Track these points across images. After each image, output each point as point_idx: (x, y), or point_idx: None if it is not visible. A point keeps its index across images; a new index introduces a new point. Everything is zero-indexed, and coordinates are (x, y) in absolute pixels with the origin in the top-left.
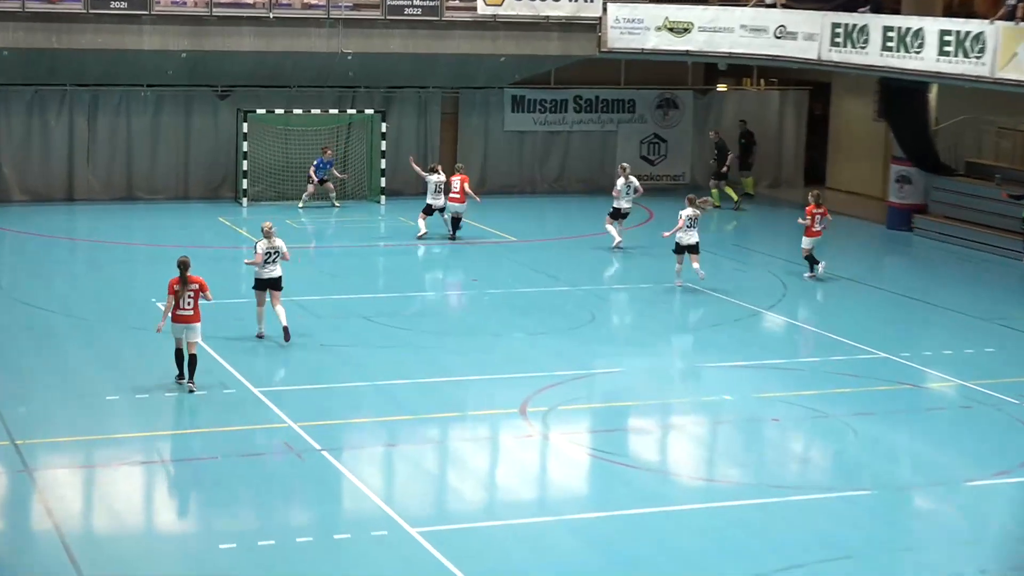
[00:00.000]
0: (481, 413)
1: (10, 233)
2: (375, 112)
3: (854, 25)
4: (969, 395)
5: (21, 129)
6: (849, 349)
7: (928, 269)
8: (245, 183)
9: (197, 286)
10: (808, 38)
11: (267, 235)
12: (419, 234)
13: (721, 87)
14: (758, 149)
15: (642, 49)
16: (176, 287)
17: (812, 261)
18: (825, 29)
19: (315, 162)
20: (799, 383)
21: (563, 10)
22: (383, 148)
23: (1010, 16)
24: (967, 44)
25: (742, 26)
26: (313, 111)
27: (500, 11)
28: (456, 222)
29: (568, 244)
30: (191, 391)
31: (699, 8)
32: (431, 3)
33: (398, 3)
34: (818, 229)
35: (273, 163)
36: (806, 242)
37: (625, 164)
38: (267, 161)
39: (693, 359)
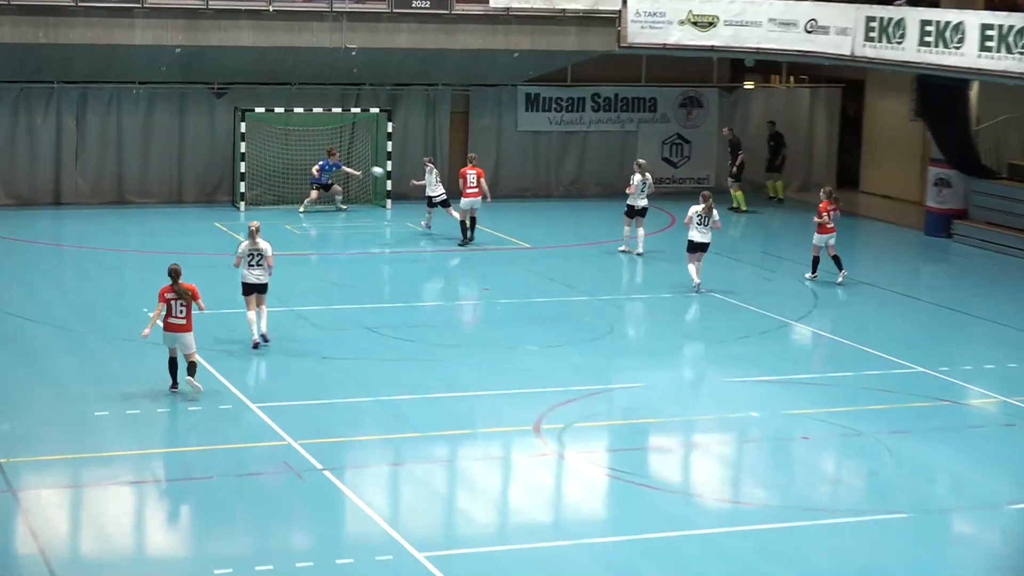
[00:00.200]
0: (492, 430)
1: None
2: (380, 111)
3: (890, 19)
4: (1012, 412)
5: (5, 129)
6: (884, 363)
7: (968, 278)
8: (243, 186)
9: (190, 294)
10: (841, 33)
11: (251, 235)
12: (423, 223)
13: (748, 85)
14: (788, 151)
15: (664, 44)
16: (168, 295)
17: (819, 262)
18: (859, 23)
19: (319, 163)
20: (830, 399)
21: (581, 3)
22: (389, 149)
23: None
24: (1010, 39)
25: (770, 20)
26: (315, 110)
27: (513, 4)
28: (472, 223)
29: (585, 251)
30: (197, 391)
31: (725, 1)
32: None
33: None
34: (831, 225)
35: (272, 165)
36: (818, 239)
37: (641, 160)
38: (266, 163)
39: (718, 373)
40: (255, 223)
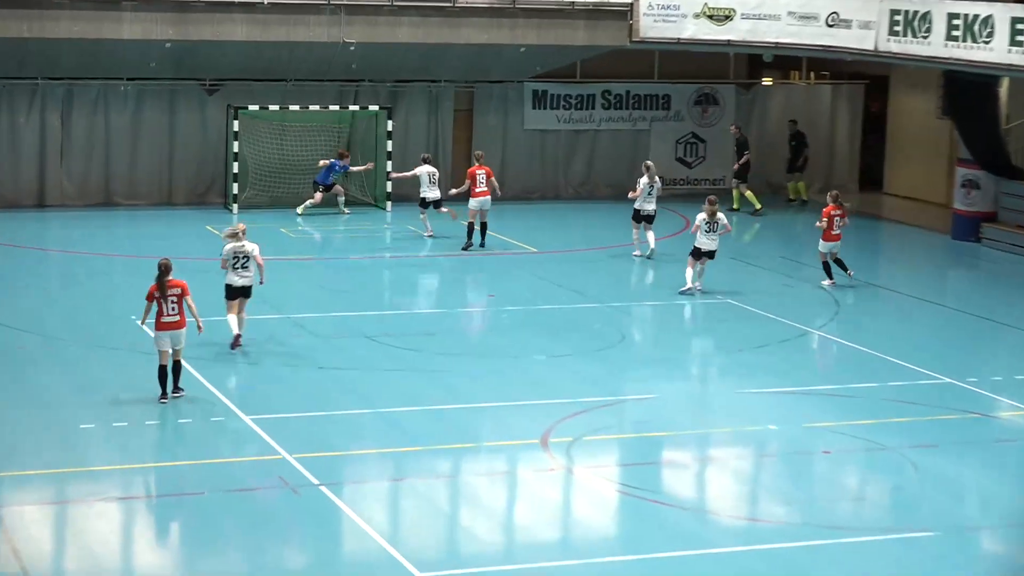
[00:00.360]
0: (497, 444)
1: None
2: (380, 109)
3: (915, 12)
4: None
5: None
6: (909, 373)
7: (998, 284)
8: (235, 187)
9: (179, 290)
10: (864, 26)
11: (236, 237)
12: (426, 233)
13: (766, 81)
14: (810, 151)
15: (678, 39)
16: (156, 293)
17: (831, 266)
18: (883, 16)
19: (330, 161)
20: (853, 411)
21: None
22: (389, 148)
23: None
24: None
25: (790, 13)
26: (312, 107)
27: None
28: (483, 228)
29: (595, 256)
30: (178, 395)
31: None
32: None
33: None
34: (837, 232)
35: (267, 165)
36: (823, 247)
37: (649, 162)
38: (260, 163)
39: (734, 384)
40: (241, 225)
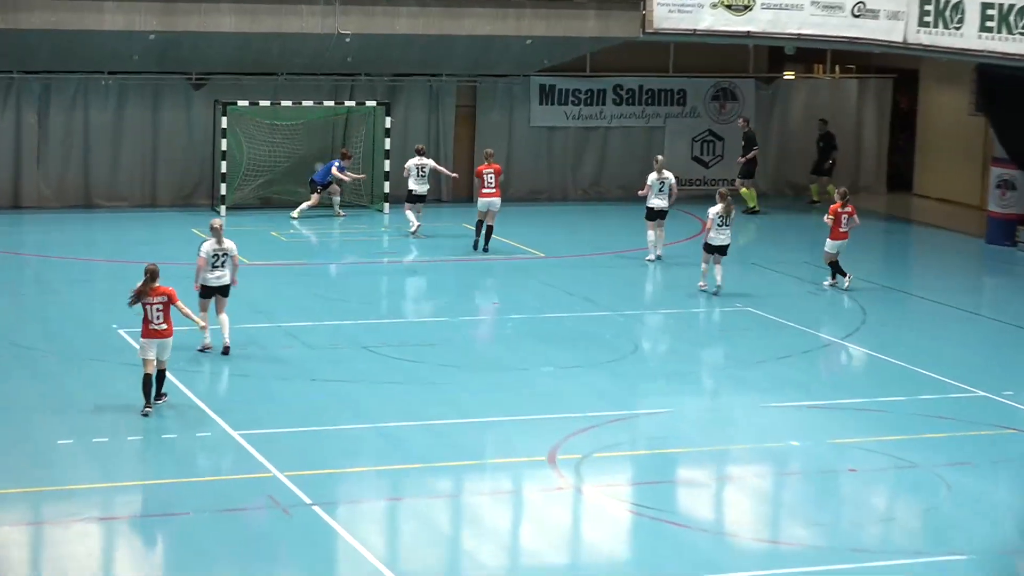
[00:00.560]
0: (502, 461)
1: None
2: (378, 104)
3: (947, 1)
4: None
5: None
6: (941, 386)
7: None
8: (224, 188)
9: (166, 298)
10: (892, 17)
11: (216, 233)
12: (411, 229)
13: (788, 75)
14: (838, 154)
15: (695, 30)
16: (139, 294)
17: (836, 269)
18: (912, 6)
19: (336, 164)
20: (881, 427)
21: None
22: (387, 147)
23: None
24: None
25: (813, 3)
26: (305, 103)
27: None
28: (488, 232)
29: (607, 261)
30: (160, 401)
31: None
32: None
33: None
34: (844, 230)
35: (257, 164)
36: (830, 245)
37: (659, 156)
38: (250, 162)
39: (754, 398)
40: (218, 221)
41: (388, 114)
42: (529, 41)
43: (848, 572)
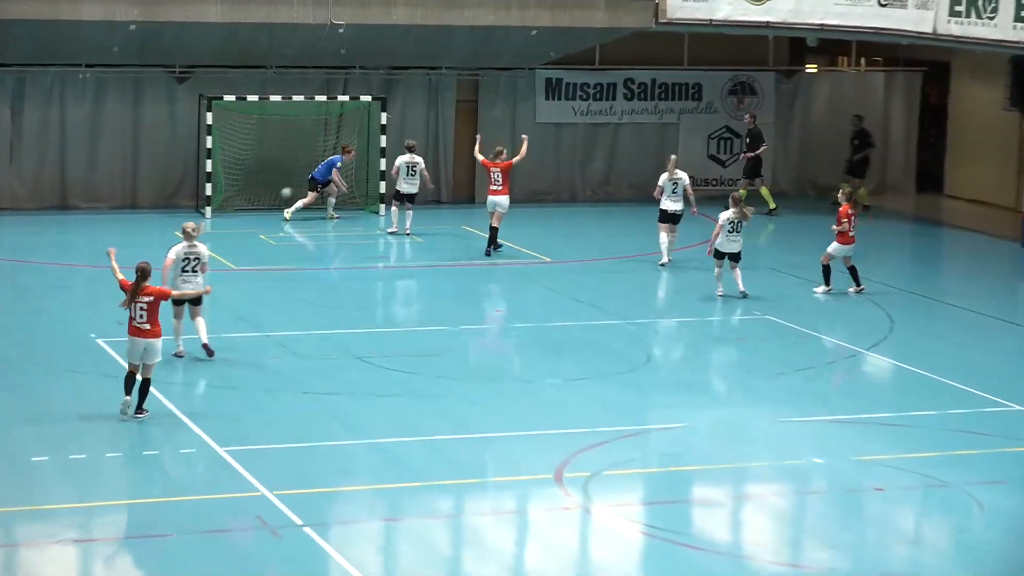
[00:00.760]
0: (505, 479)
1: None
2: (373, 99)
3: None
4: None
5: None
6: (974, 400)
7: None
8: (209, 188)
9: (152, 298)
10: (921, 6)
11: (187, 236)
12: (389, 228)
13: (810, 68)
14: (873, 152)
15: (711, 20)
16: (127, 292)
17: (826, 272)
18: None
19: (337, 162)
20: (909, 443)
21: None
22: (383, 144)
23: None
24: None
25: None
26: (295, 98)
27: None
28: (492, 234)
29: (616, 266)
30: (140, 416)
31: None
32: None
33: None
34: (853, 235)
35: (244, 163)
36: (837, 250)
37: (672, 155)
38: (237, 160)
39: (774, 412)
40: (192, 224)
41: (384, 110)
42: (534, 32)
43: None
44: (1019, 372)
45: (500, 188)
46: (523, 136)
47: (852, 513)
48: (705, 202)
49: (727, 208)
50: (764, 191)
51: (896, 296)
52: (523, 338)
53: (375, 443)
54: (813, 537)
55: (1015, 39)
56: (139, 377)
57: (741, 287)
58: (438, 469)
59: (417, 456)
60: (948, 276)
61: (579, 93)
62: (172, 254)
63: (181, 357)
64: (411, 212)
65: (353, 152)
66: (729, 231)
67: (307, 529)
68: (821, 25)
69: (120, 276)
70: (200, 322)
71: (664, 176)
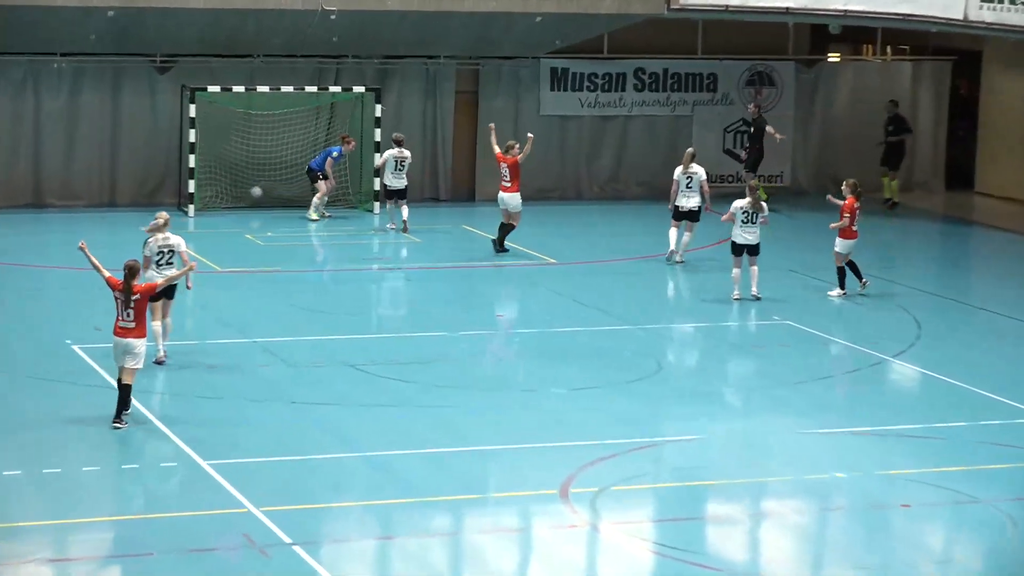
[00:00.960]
0: (508, 495)
1: None
2: (367, 90)
3: None
4: None
5: None
6: (1007, 410)
7: None
8: (192, 185)
9: (139, 296)
10: None
11: (159, 228)
12: (388, 225)
13: (833, 57)
14: (910, 140)
15: (727, 6)
16: (115, 293)
17: (850, 272)
18: None
19: (335, 151)
20: (937, 456)
21: None
22: (377, 138)
23: None
24: None
25: None
26: (284, 88)
27: None
28: (501, 232)
29: (626, 268)
30: (118, 426)
31: None
32: None
33: None
34: (856, 229)
35: (230, 158)
36: (843, 246)
37: (689, 148)
38: (222, 155)
39: (794, 423)
40: (164, 214)
41: (378, 101)
42: (539, 18)
43: None
44: None
45: (509, 185)
46: (529, 135)
47: (877, 531)
48: (720, 200)
49: (743, 197)
50: (886, 181)
51: (924, 300)
52: (526, 344)
53: (368, 456)
54: (835, 557)
55: None
56: (121, 381)
57: (754, 290)
58: (436, 484)
59: (413, 470)
60: (979, 278)
61: (586, 84)
62: (147, 251)
63: (162, 364)
64: (406, 207)
65: (353, 143)
66: (743, 221)
67: (296, 548)
68: (844, 11)
69: (106, 273)
70: (167, 324)
71: (678, 170)
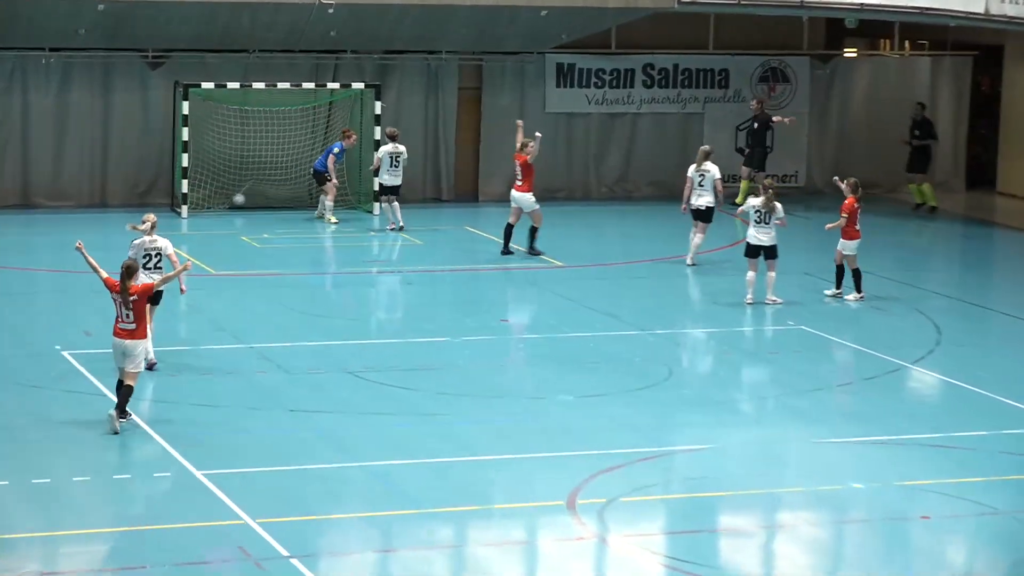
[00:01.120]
0: (513, 506)
1: None
2: (366, 86)
3: None
4: None
5: None
6: None
7: None
8: (185, 185)
9: (136, 297)
10: None
11: (147, 231)
12: (388, 226)
13: (849, 52)
14: (936, 147)
15: None
16: (114, 295)
17: (856, 276)
18: None
19: (336, 148)
20: (958, 466)
21: None
22: (376, 136)
23: None
24: None
25: None
26: (280, 85)
27: None
28: (506, 233)
29: (635, 271)
30: (115, 431)
31: None
32: None
33: None
34: (859, 228)
35: (225, 157)
36: (848, 247)
37: (706, 146)
38: (217, 154)
39: (809, 432)
40: (151, 216)
41: (378, 98)
42: (544, 12)
43: None
44: None
45: (520, 184)
46: (536, 134)
47: (895, 544)
48: (733, 200)
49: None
50: (915, 187)
51: (943, 304)
52: (532, 351)
53: (369, 466)
54: (852, 571)
55: None
56: (123, 383)
57: (769, 296)
58: (438, 495)
59: (415, 481)
60: (1001, 281)
61: (593, 80)
62: (132, 252)
63: (153, 369)
64: (397, 204)
65: (354, 137)
66: (756, 221)
67: (294, 561)
68: (861, 5)
69: (104, 274)
70: (151, 328)
71: (692, 168)
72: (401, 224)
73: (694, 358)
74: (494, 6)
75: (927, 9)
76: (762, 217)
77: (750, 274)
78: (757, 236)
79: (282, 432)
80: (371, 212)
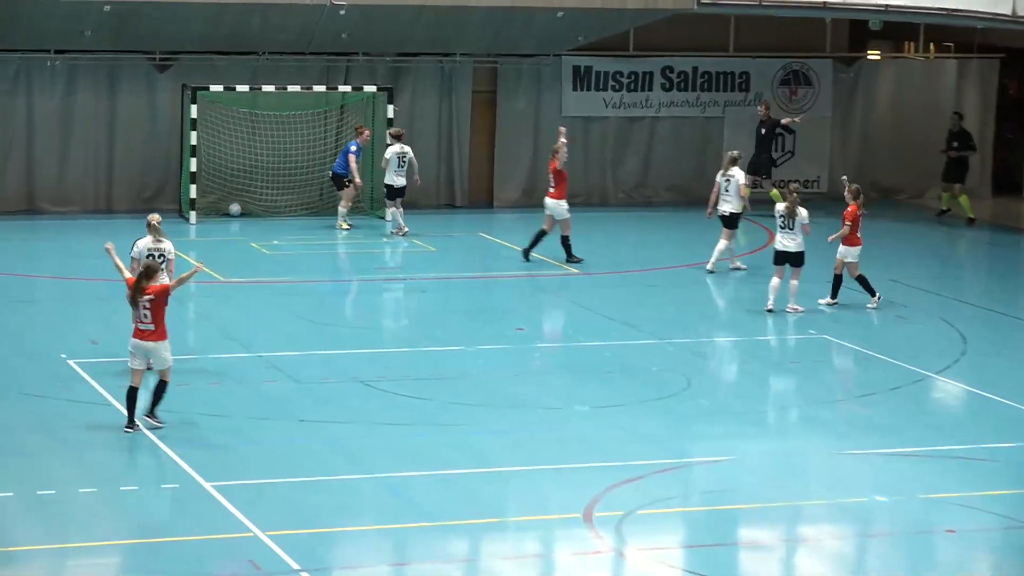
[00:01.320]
0: (529, 519)
1: None
2: (379, 90)
3: None
4: None
5: None
6: None
7: None
8: (193, 190)
9: (152, 297)
10: None
11: (153, 231)
12: (394, 230)
13: (873, 55)
14: (973, 157)
15: (760, 1)
16: (129, 292)
17: (862, 282)
18: None
19: (352, 147)
20: (985, 478)
21: None
22: (388, 141)
23: None
24: None
25: None
26: (291, 88)
27: None
28: (535, 239)
29: (654, 279)
30: (157, 425)
31: None
32: None
33: None
34: (860, 236)
35: (234, 162)
36: (850, 254)
37: (735, 152)
38: (225, 159)
39: (831, 444)
40: (156, 216)
41: (391, 101)
42: (560, 14)
43: None
44: None
45: (553, 190)
46: (561, 128)
47: (920, 558)
48: (753, 205)
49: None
50: (946, 196)
51: (969, 312)
52: (548, 360)
53: (381, 478)
54: None
55: None
56: (158, 379)
57: (791, 304)
58: (452, 507)
59: (428, 493)
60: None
61: (611, 83)
62: (135, 252)
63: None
64: (400, 208)
65: (367, 133)
66: (781, 227)
67: (304, 574)
68: (886, 6)
69: (127, 275)
70: None
71: (719, 174)
72: (406, 229)
73: (713, 368)
74: (509, 7)
75: (953, 10)
76: (786, 223)
77: (775, 280)
78: (784, 242)
79: (292, 443)
80: (383, 218)
